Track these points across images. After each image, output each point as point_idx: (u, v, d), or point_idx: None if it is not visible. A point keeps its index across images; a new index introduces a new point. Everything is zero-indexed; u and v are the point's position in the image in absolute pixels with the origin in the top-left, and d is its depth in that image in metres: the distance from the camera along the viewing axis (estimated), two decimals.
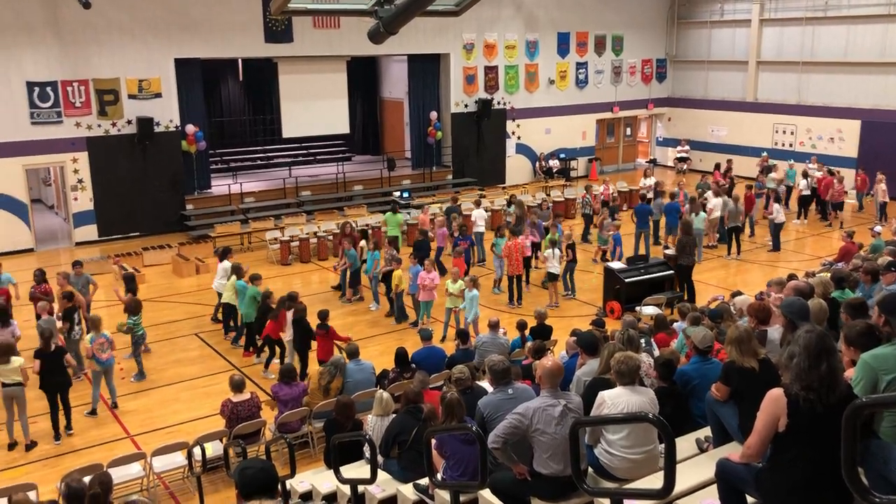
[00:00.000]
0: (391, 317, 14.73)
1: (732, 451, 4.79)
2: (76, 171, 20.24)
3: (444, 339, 13.28)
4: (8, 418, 10.13)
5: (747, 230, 19.83)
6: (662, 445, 4.37)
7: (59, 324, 11.81)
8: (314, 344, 11.77)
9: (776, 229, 18.83)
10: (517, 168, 27.69)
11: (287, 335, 12.00)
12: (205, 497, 8.06)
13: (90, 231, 20.63)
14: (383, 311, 15.08)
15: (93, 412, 11.00)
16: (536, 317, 11.53)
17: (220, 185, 22.80)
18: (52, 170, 21.90)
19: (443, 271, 15.62)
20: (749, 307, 7.64)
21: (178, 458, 9.00)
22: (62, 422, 10.43)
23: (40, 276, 13.08)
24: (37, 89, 19.37)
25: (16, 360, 9.88)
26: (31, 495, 7.29)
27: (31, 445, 10.14)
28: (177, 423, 10.77)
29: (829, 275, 9.63)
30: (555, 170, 27.56)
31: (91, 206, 20.55)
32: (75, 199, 20.42)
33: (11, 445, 10.11)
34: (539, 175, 27.68)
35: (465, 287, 13.15)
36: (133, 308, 12.42)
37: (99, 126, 20.29)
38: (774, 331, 6.86)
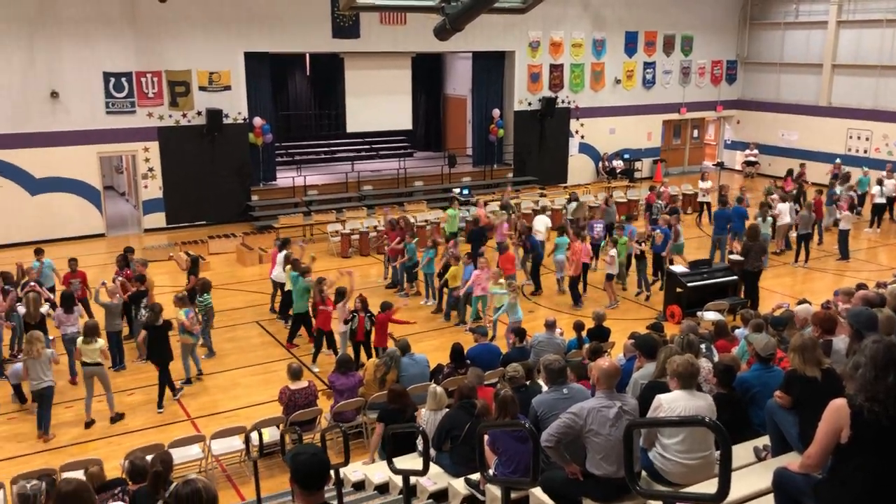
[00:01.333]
0: (438, 314, 14.81)
1: (791, 460, 4.69)
2: (147, 160, 20.86)
3: (493, 337, 13.24)
4: (87, 396, 10.58)
5: (816, 237, 19.27)
6: (719, 452, 4.30)
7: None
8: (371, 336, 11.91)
9: (843, 237, 18.27)
10: (580, 168, 27.46)
11: (341, 327, 12.14)
12: (260, 482, 8.23)
13: (159, 218, 21.24)
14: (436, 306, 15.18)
15: (187, 381, 11.74)
16: (594, 318, 11.44)
17: (285, 178, 23.21)
18: (125, 158, 22.62)
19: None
20: (813, 316, 7.44)
21: (236, 443, 9.22)
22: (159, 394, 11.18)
23: (123, 262, 13.49)
24: (112, 80, 20.02)
25: (99, 342, 10.44)
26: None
27: (116, 418, 10.69)
28: (236, 407, 11.03)
29: None
30: (618, 170, 27.23)
31: (160, 195, 21.15)
32: (145, 186, 21.05)
33: (89, 423, 10.56)
34: (602, 175, 27.40)
35: (507, 290, 12.96)
36: (203, 287, 12.82)
37: (170, 117, 20.87)
38: (840, 341, 6.68)
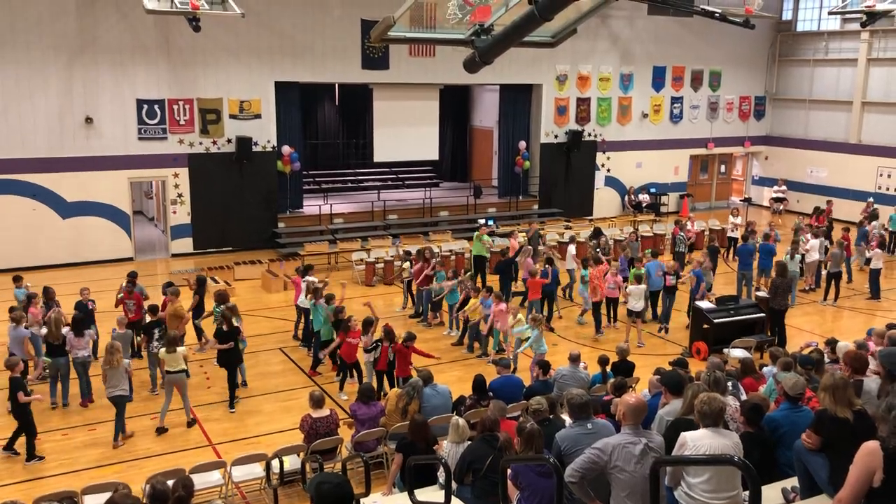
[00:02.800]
0: (460, 346, 14.77)
1: (821, 503, 4.58)
2: (177, 186, 21.15)
3: (515, 369, 13.14)
4: (165, 402, 11.21)
5: (845, 276, 19.00)
6: (746, 492, 4.22)
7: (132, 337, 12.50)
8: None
9: (874, 276, 18.01)
10: (605, 201, 27.42)
11: (366, 357, 12.14)
12: None
13: (186, 244, 21.47)
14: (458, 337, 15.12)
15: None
16: (618, 353, 11.32)
17: (312, 206, 23.40)
18: (155, 183, 22.94)
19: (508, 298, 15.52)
20: (845, 355, 7.33)
21: (257, 469, 9.18)
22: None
23: (130, 285, 13.59)
24: (145, 106, 20.40)
25: (181, 350, 11.12)
26: None
27: (192, 422, 11.34)
28: (257, 434, 11.02)
29: None
30: (644, 204, 27.15)
31: (188, 220, 21.40)
32: (174, 212, 21.32)
33: (161, 430, 11.09)
34: (628, 209, 27.33)
35: (528, 325, 12.87)
36: (220, 298, 12.98)
37: (200, 144, 21.18)
38: (872, 381, 6.56)
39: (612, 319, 15.78)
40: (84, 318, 12.31)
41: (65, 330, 11.88)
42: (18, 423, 10.17)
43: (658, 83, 27.77)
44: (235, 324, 12.09)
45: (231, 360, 11.95)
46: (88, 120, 19.79)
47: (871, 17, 21.05)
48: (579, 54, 25.52)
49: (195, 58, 20.68)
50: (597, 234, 19.59)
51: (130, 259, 20.70)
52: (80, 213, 20.09)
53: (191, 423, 11.32)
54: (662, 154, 28.17)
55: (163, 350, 11.20)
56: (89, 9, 19.33)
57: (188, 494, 6.18)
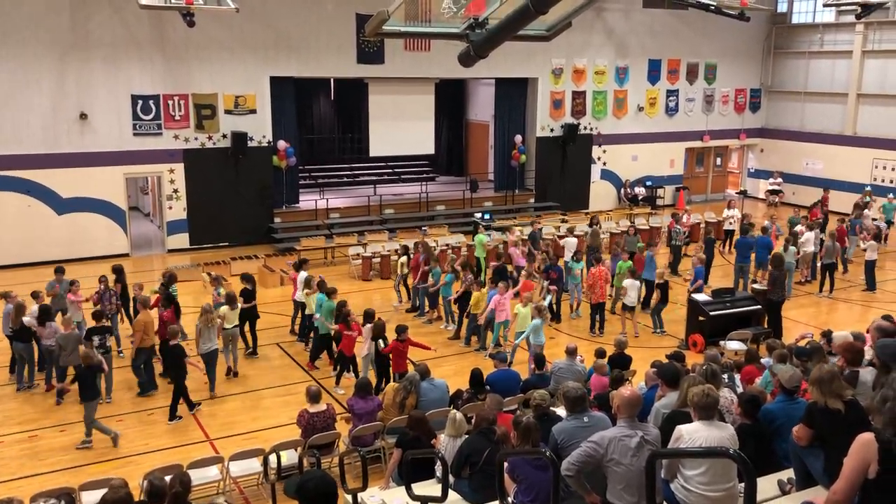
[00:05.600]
0: (457, 339, 14.77)
1: (817, 495, 4.60)
2: (172, 182, 21.11)
3: (511, 363, 13.13)
4: (225, 356, 12.82)
5: (840, 267, 19.03)
6: (742, 484, 4.23)
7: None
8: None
9: (869, 267, 18.06)
10: (601, 194, 27.43)
11: (363, 351, 12.14)
12: None
13: (182, 239, 21.44)
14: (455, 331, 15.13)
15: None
16: (616, 345, 11.34)
17: (308, 200, 23.38)
18: (150, 179, 22.91)
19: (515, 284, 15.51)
20: (839, 346, 7.35)
21: (255, 465, 9.19)
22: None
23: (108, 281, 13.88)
24: (140, 102, 20.34)
25: (237, 309, 12.90)
26: None
27: (236, 374, 12.97)
28: (255, 429, 11.03)
29: None
30: (640, 197, 27.17)
31: (184, 216, 21.37)
32: (170, 208, 21.28)
33: (233, 372, 12.98)
34: (624, 202, 27.35)
35: (531, 314, 12.92)
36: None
37: (196, 139, 21.14)
38: (867, 372, 6.58)
39: (602, 322, 15.61)
40: (49, 308, 12.45)
41: (27, 318, 12.12)
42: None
43: (654, 76, 27.76)
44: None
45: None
46: (83, 116, 19.73)
47: (866, 8, 21.10)
48: (574, 48, 25.49)
49: (189, 53, 20.61)
50: (593, 222, 19.48)
51: (127, 255, 20.67)
52: (76, 210, 20.05)
53: (236, 373, 12.97)
54: (658, 147, 28.17)
55: (225, 307, 12.66)
56: (82, 4, 19.25)
57: (185, 490, 6.16)
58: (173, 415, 11.32)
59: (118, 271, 14.50)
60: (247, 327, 13.81)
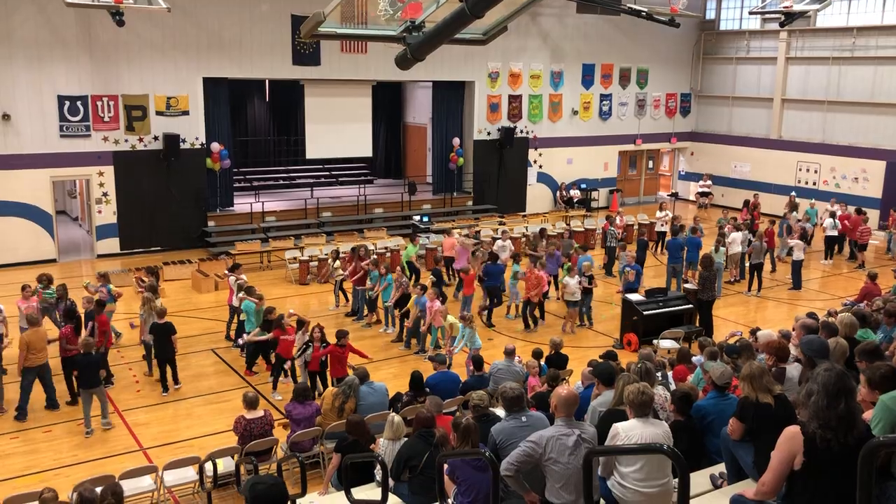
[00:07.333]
0: (398, 342, 14.77)
1: (747, 487, 4.74)
2: (101, 185, 20.52)
3: (450, 365, 13.15)
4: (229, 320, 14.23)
5: (768, 266, 19.64)
6: (676, 480, 4.33)
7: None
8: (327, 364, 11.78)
9: (796, 267, 18.70)
10: (538, 197, 27.75)
11: (298, 359, 12.03)
12: None
13: (112, 244, 20.86)
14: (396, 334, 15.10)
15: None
16: (552, 346, 11.48)
17: (243, 204, 23.01)
18: (78, 182, 22.21)
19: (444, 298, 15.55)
20: (766, 345, 7.59)
21: (190, 473, 9.00)
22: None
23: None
24: (67, 103, 19.72)
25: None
26: None
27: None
28: (189, 437, 10.80)
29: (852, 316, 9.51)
30: (575, 200, 27.58)
31: (114, 220, 20.79)
32: (99, 211, 20.68)
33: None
34: (559, 205, 27.72)
35: (460, 322, 13.02)
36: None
37: (126, 141, 20.60)
38: (793, 368, 6.81)
39: (541, 317, 15.89)
40: None
41: None
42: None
43: (587, 80, 28.21)
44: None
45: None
46: (5, 116, 19.02)
47: (789, 17, 21.80)
48: (510, 52, 25.74)
49: (119, 53, 20.07)
50: (542, 234, 19.69)
51: (54, 261, 20.01)
52: None
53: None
54: (592, 150, 28.64)
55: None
56: (1, 0, 18.57)
57: (118, 501, 6.02)
58: (165, 387, 12.26)
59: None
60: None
